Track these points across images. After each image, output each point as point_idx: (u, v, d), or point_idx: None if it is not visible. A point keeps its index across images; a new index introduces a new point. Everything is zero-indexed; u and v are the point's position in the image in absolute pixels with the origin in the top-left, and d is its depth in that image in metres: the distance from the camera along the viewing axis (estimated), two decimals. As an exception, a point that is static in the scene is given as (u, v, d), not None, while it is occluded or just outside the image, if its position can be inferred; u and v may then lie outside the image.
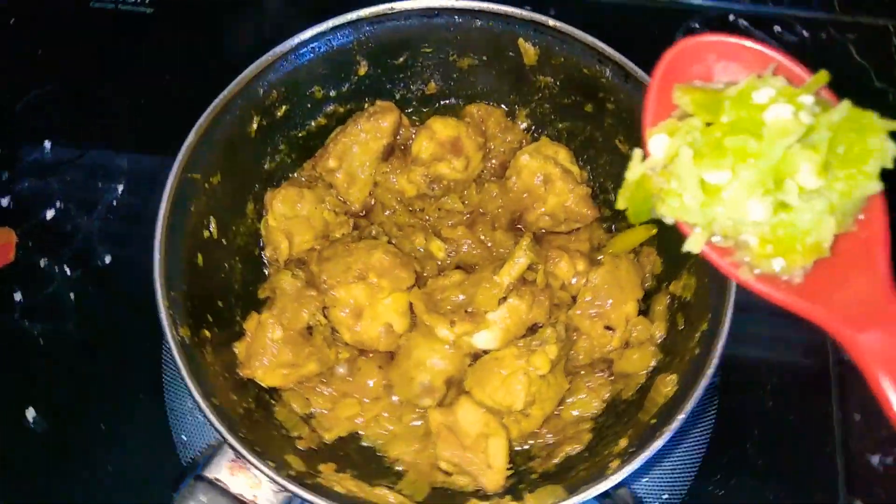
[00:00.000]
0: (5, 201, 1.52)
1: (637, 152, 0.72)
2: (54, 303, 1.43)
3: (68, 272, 1.46)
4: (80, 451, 1.30)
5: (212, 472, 0.88)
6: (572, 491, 0.87)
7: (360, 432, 1.11)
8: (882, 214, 0.68)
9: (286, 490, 0.85)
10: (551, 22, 1.08)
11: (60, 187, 1.52)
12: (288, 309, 1.06)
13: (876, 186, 0.65)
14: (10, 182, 1.53)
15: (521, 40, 1.12)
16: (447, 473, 1.05)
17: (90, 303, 1.42)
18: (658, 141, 0.70)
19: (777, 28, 1.64)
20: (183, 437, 1.23)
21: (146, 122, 1.54)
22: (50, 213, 1.51)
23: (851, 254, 0.68)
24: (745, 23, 1.65)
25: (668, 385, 0.96)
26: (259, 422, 1.00)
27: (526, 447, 1.08)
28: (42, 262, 1.47)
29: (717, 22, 1.65)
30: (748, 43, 0.72)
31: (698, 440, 1.23)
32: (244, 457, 0.85)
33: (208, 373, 0.95)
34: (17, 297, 1.44)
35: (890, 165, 0.64)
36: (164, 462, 1.21)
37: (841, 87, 0.71)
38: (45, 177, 1.54)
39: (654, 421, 0.92)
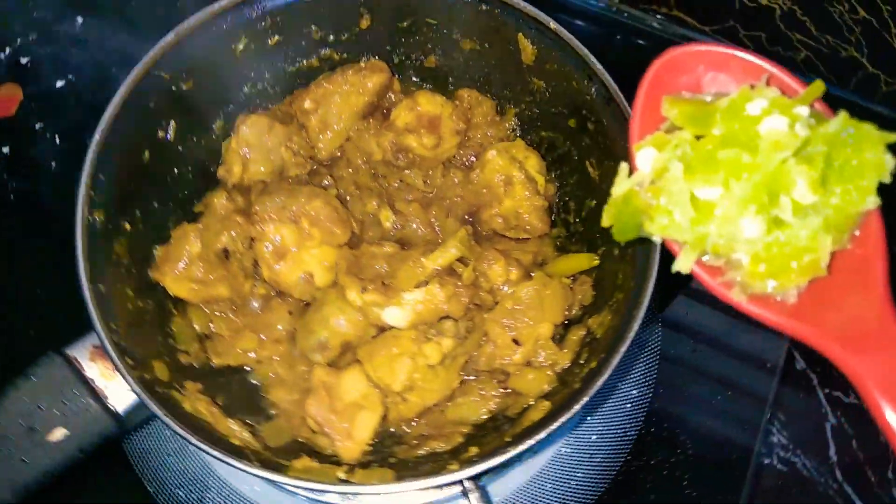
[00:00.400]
0: (25, 59, 1.57)
1: (623, 167, 0.68)
2: (36, 165, 1.48)
3: (58, 141, 1.50)
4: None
5: (73, 351, 0.89)
6: (400, 479, 0.86)
7: (249, 367, 1.11)
8: (879, 230, 0.64)
9: (130, 388, 0.86)
10: (552, 24, 1.06)
11: (80, 62, 1.57)
12: (211, 227, 1.06)
13: (874, 202, 0.62)
14: (35, 44, 1.58)
15: (521, 36, 1.10)
16: (313, 431, 1.04)
17: (68, 176, 1.46)
18: (646, 155, 0.66)
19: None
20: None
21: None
22: (61, 83, 1.55)
23: (848, 272, 0.64)
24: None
25: (539, 411, 0.93)
26: (148, 323, 1.01)
27: (399, 433, 1.07)
28: (37, 126, 1.51)
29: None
30: (739, 53, 0.69)
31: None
32: (104, 346, 0.86)
33: (108, 260, 0.97)
34: (5, 150, 1.49)
35: (888, 180, 0.61)
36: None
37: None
38: (70, 48, 1.58)
39: (508, 439, 0.90)
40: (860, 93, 1.63)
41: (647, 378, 1.32)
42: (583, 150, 1.13)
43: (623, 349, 0.88)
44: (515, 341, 1.06)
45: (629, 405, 1.31)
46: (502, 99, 1.22)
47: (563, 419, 0.85)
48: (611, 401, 1.30)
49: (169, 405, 0.88)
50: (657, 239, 0.66)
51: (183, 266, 1.05)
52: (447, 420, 1.08)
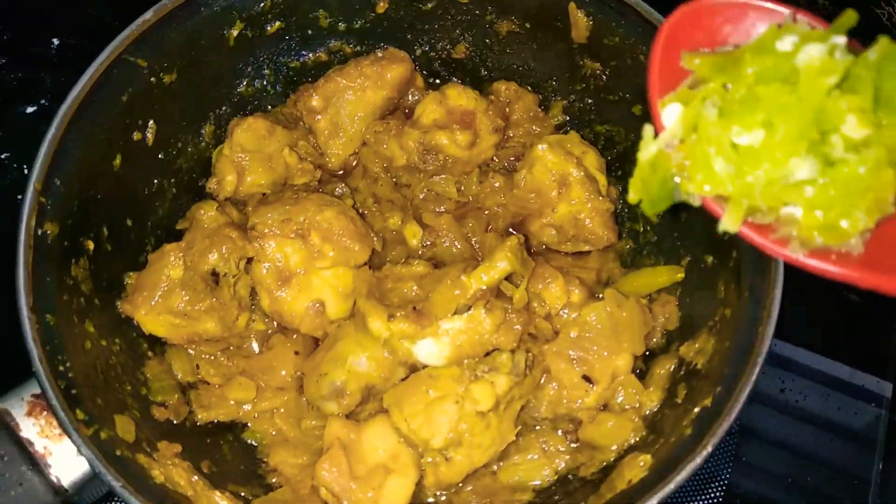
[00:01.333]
0: (-9, 84, 1.39)
1: (648, 129, 0.59)
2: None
3: (25, 171, 1.31)
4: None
5: (4, 403, 0.66)
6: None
7: (244, 423, 0.87)
8: None
9: (81, 453, 0.62)
10: (613, -13, 0.87)
11: (51, 86, 1.40)
12: (196, 244, 0.85)
13: None
14: (3, 68, 1.41)
15: (573, 6, 0.91)
16: (326, 504, 0.80)
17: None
18: (672, 111, 0.59)
19: None
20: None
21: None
22: (31, 109, 1.37)
23: None
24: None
25: (636, 468, 0.70)
26: (113, 368, 0.78)
27: (438, 501, 0.82)
28: (3, 156, 1.33)
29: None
30: (755, 1, 0.62)
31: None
32: (44, 391, 0.63)
33: (61, 285, 0.75)
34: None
35: None
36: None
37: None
38: (40, 72, 1.41)
39: (593, 500, 0.65)
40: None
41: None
42: (652, 142, 0.92)
43: (751, 380, 0.65)
44: (586, 378, 0.83)
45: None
46: (547, 91, 1.03)
47: (677, 480, 0.61)
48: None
49: (131, 474, 0.64)
50: (696, 201, 0.58)
51: (160, 295, 0.83)
52: (501, 485, 0.85)
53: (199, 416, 0.85)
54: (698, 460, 0.63)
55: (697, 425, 0.68)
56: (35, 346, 0.66)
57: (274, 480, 0.83)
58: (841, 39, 0.55)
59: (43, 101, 1.38)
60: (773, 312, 0.68)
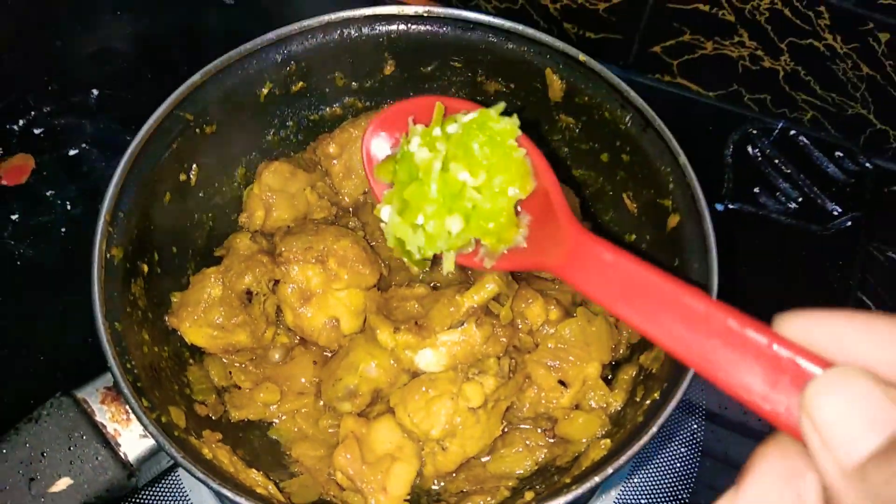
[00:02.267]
0: (38, 130, 1.56)
1: (383, 213, 0.82)
2: (45, 232, 1.44)
3: (69, 207, 1.47)
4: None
5: (82, 393, 0.81)
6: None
7: (270, 422, 1.02)
8: (545, 168, 0.81)
9: (148, 432, 0.77)
10: (582, 56, 1.04)
11: (92, 132, 1.56)
12: (233, 268, 1.00)
13: (521, 152, 0.79)
14: (49, 115, 1.58)
15: (549, 71, 1.08)
16: (342, 489, 0.94)
17: (77, 241, 1.42)
18: (386, 211, 0.81)
19: (839, 154, 1.55)
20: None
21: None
22: (73, 152, 1.54)
23: (541, 208, 0.79)
24: (805, 140, 1.57)
25: (598, 450, 0.85)
26: (163, 370, 0.93)
27: (436, 488, 0.96)
28: (48, 193, 1.49)
29: (777, 134, 1.58)
30: (421, 100, 0.84)
31: None
32: (117, 383, 0.78)
33: (125, 300, 0.90)
34: (14, 217, 1.45)
35: (519, 133, 0.79)
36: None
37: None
38: (82, 119, 1.58)
39: (568, 480, 0.80)
40: (870, 150, 1.63)
41: (695, 437, 1.22)
42: (618, 184, 1.09)
43: (689, 375, 0.80)
44: (562, 383, 0.98)
45: (678, 464, 1.21)
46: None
47: (629, 453, 0.76)
48: (659, 460, 1.20)
49: (188, 450, 0.79)
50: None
51: (202, 311, 0.98)
52: (489, 474, 0.98)
53: (233, 415, 0.99)
54: (645, 438, 0.77)
55: (647, 414, 0.83)
56: (109, 346, 0.81)
57: (296, 469, 0.97)
58: (453, 128, 0.77)
59: (84, 145, 1.55)
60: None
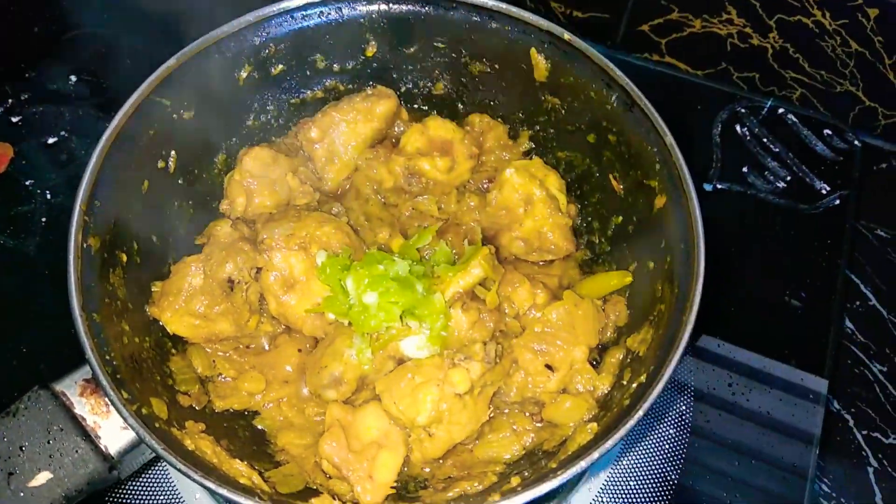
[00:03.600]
0: (16, 118, 1.53)
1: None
2: (25, 222, 1.41)
3: (48, 196, 1.44)
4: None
5: (60, 386, 0.79)
6: (436, 512, 0.75)
7: (256, 411, 1.00)
8: None
9: (128, 424, 0.76)
10: (566, 35, 1.03)
11: (71, 119, 1.53)
12: (214, 256, 0.99)
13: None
14: (26, 103, 1.55)
15: (533, 50, 1.07)
16: (328, 477, 0.93)
17: (57, 231, 1.40)
18: None
19: (827, 132, 1.54)
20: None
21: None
22: (52, 140, 1.51)
23: None
24: (793, 118, 1.56)
25: (585, 433, 0.84)
26: (144, 361, 0.91)
27: (423, 476, 0.95)
28: (28, 182, 1.46)
29: (766, 113, 1.57)
30: None
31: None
32: (95, 376, 0.77)
33: (103, 290, 0.88)
34: (-7, 206, 1.43)
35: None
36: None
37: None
38: (60, 106, 1.55)
39: (553, 465, 0.79)
40: (859, 128, 1.62)
41: (684, 419, 1.22)
42: (604, 166, 1.08)
43: (676, 357, 0.80)
44: (549, 367, 0.97)
45: (667, 445, 1.21)
46: (515, 122, 1.18)
47: (616, 437, 0.76)
48: (648, 442, 1.20)
49: (169, 442, 0.77)
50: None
51: (184, 300, 0.97)
52: (477, 460, 0.97)
53: (217, 405, 0.98)
54: (632, 422, 0.77)
55: (634, 397, 0.82)
56: (87, 338, 0.80)
57: (282, 458, 0.96)
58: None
59: (63, 133, 1.52)
60: (694, 304, 0.83)
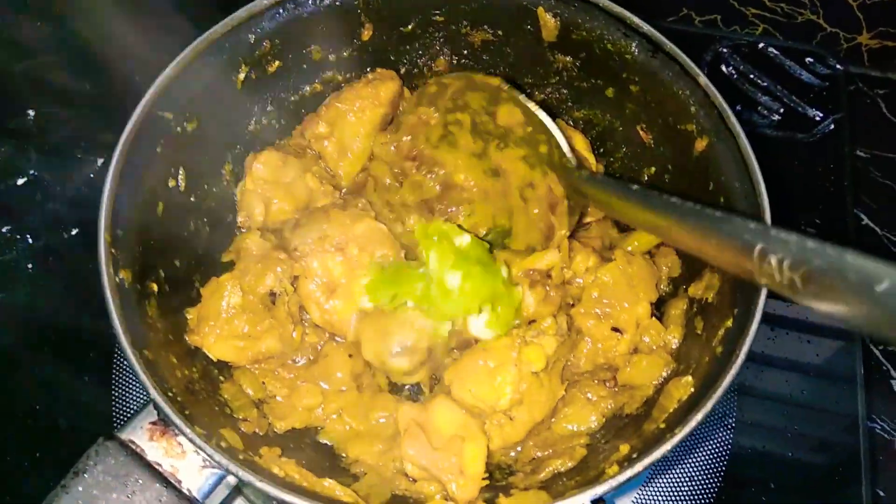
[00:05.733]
0: (-24, 164, 1.42)
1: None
2: (9, 271, 1.31)
3: (30, 240, 1.34)
4: (7, 431, 1.15)
5: (126, 434, 0.72)
6: (557, 496, 0.71)
7: (317, 426, 0.95)
8: None
9: (214, 462, 0.70)
10: (575, -12, 0.99)
11: (38, 156, 1.43)
12: (250, 270, 0.92)
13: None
14: (-17, 146, 1.43)
15: (541, 10, 1.03)
16: (412, 480, 0.88)
17: (48, 275, 1.30)
18: None
19: (809, 60, 1.55)
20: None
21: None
22: (21, 181, 1.40)
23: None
24: (774, 51, 1.56)
25: (682, 388, 0.81)
26: (199, 393, 0.85)
27: (507, 460, 0.92)
28: (4, 229, 1.35)
29: (746, 49, 1.57)
30: None
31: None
32: (167, 416, 0.70)
33: (145, 324, 0.81)
34: (-28, 261, 1.32)
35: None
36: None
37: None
38: (24, 144, 1.44)
39: (662, 426, 0.77)
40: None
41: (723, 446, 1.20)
42: (628, 119, 1.05)
43: (762, 299, 0.77)
44: (615, 329, 0.94)
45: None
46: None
47: (724, 385, 0.73)
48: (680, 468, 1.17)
49: (261, 471, 0.72)
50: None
51: (224, 322, 0.90)
52: (557, 436, 0.95)
53: (278, 426, 0.92)
54: (734, 370, 0.75)
55: (726, 343, 0.80)
56: (147, 377, 0.73)
57: (358, 470, 0.91)
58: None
59: (32, 172, 1.41)
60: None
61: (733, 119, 0.89)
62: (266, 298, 0.92)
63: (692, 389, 0.79)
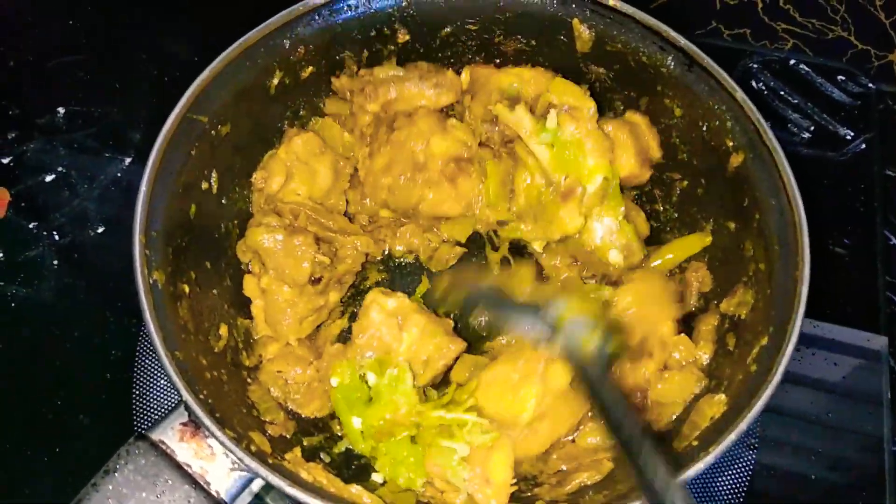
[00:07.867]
0: (6, 160, 1.43)
1: None
2: (35, 267, 1.32)
3: (56, 237, 1.35)
4: (29, 427, 1.16)
5: (157, 434, 0.72)
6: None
7: (338, 436, 0.95)
8: None
9: (244, 465, 0.70)
10: (611, 1, 0.99)
11: (66, 153, 1.44)
12: (285, 266, 0.93)
13: None
14: (15, 141, 1.45)
15: (576, 21, 1.02)
16: (440, 491, 0.88)
17: (72, 272, 1.31)
18: None
19: (840, 77, 1.54)
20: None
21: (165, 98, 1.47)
22: (50, 177, 1.41)
23: None
24: (805, 68, 1.55)
25: (715, 406, 0.80)
26: (228, 395, 0.85)
27: (531, 473, 0.91)
28: (31, 225, 1.36)
29: (776, 65, 1.56)
30: None
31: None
32: (198, 419, 0.70)
33: (177, 325, 0.82)
34: None
35: None
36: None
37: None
38: (52, 141, 1.45)
39: (695, 443, 0.76)
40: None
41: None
42: (663, 132, 1.05)
43: (799, 317, 0.76)
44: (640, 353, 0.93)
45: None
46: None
47: (759, 404, 0.72)
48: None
49: (289, 476, 0.71)
50: None
51: (289, 314, 0.95)
52: (581, 451, 0.94)
53: (303, 412, 0.93)
54: (770, 389, 0.74)
55: (760, 362, 0.79)
56: (179, 379, 0.73)
57: (385, 476, 0.91)
58: None
59: (60, 168, 1.42)
60: (806, 258, 0.80)
61: (770, 135, 0.89)
62: (308, 287, 0.93)
63: (725, 408, 0.78)
